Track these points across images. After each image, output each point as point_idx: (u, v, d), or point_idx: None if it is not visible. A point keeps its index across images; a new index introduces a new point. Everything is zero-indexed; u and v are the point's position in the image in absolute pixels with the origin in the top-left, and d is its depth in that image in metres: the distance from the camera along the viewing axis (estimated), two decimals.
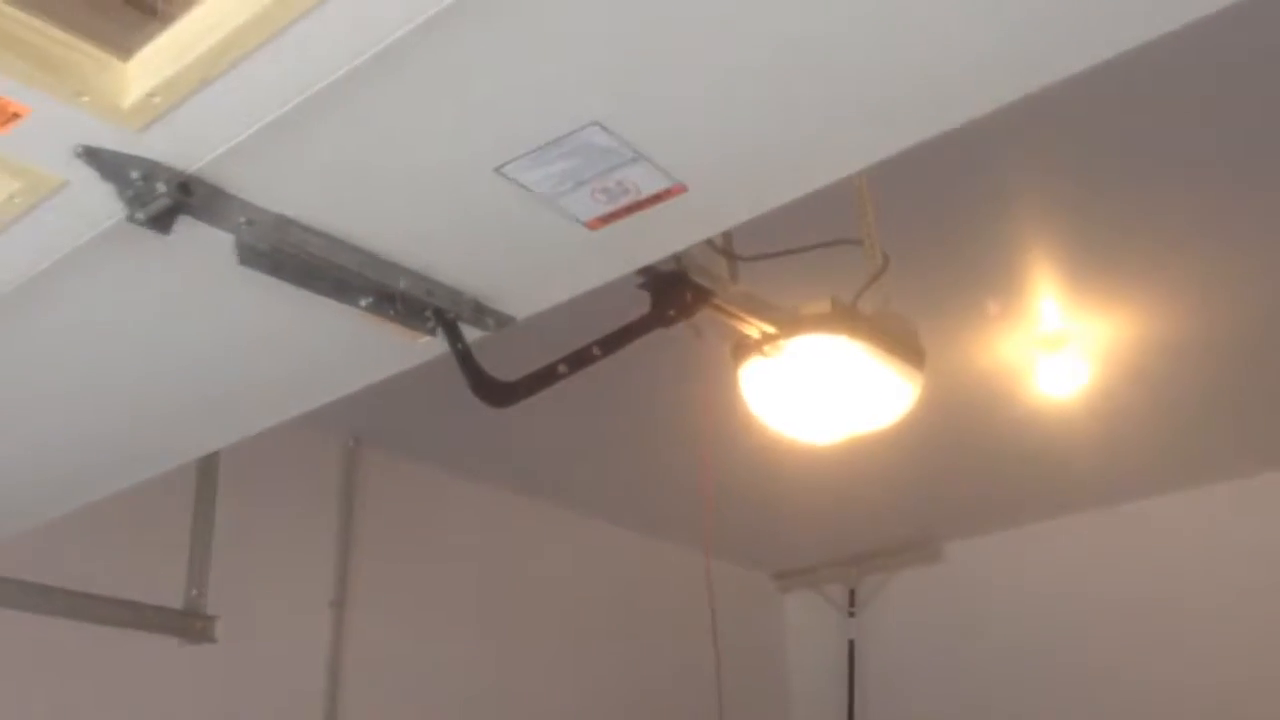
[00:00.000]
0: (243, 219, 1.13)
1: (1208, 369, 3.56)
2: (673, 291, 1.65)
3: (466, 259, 1.29)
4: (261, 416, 1.69)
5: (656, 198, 1.15)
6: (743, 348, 1.91)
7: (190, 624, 2.32)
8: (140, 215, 1.08)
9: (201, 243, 1.16)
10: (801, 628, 5.53)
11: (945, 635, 5.10)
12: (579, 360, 1.57)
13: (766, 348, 1.86)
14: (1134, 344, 3.42)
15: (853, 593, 5.36)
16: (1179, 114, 2.45)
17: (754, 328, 1.85)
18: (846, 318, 1.82)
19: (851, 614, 5.33)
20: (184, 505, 2.46)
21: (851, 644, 5.29)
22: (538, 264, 1.32)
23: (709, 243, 2.10)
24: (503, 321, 1.39)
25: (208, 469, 2.45)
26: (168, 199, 1.06)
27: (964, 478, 4.46)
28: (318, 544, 3.69)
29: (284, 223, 1.16)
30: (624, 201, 1.15)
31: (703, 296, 1.67)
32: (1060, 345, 3.43)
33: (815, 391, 1.89)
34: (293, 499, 3.68)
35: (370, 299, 1.28)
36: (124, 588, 2.45)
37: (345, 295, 1.27)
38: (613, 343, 1.62)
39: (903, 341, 1.92)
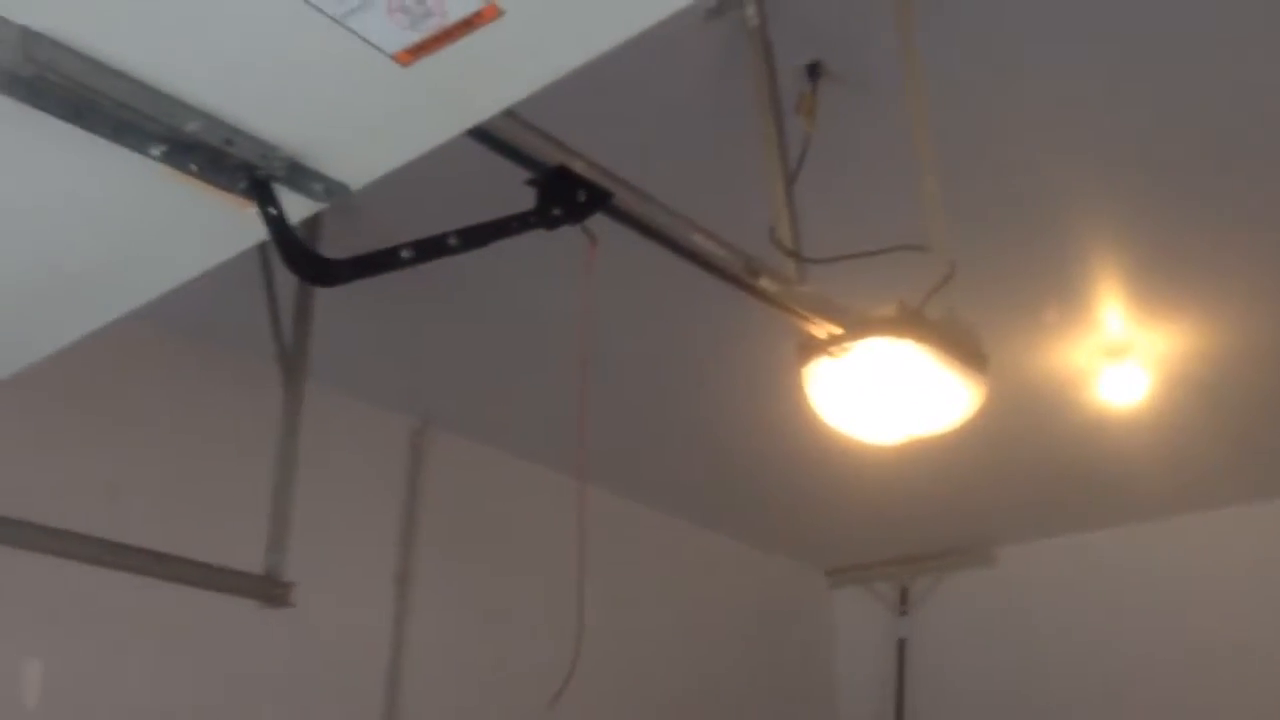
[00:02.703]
0: None
1: (1270, 380, 3.54)
2: (562, 189, 1.46)
3: (264, 100, 1.11)
4: (79, 308, 1.46)
5: (467, 23, 1.00)
6: (809, 347, 1.96)
7: (269, 589, 2.43)
8: None
9: None
10: (851, 624, 5.56)
11: (996, 638, 5.10)
12: (430, 248, 1.39)
13: (833, 348, 1.91)
14: (1196, 355, 3.41)
15: (904, 591, 5.38)
16: (1241, 126, 2.45)
17: (821, 328, 1.90)
18: (913, 322, 1.87)
19: (903, 613, 5.36)
20: (261, 471, 2.58)
21: (902, 642, 5.32)
22: (351, 111, 1.14)
23: (776, 243, 2.16)
24: (334, 189, 1.22)
25: (290, 433, 2.57)
26: None
27: (1021, 483, 4.46)
28: (384, 520, 3.82)
29: (31, 38, 0.99)
30: (431, 27, 1.00)
31: (598, 198, 1.47)
32: (1123, 355, 3.43)
33: (879, 393, 1.95)
34: (361, 476, 3.81)
35: (163, 147, 1.10)
36: (202, 552, 2.56)
37: (132, 140, 1.09)
38: (477, 235, 1.43)
39: (967, 347, 1.97)
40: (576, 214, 1.49)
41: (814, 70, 2.37)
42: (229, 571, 2.41)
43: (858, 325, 1.88)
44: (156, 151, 1.11)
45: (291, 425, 2.59)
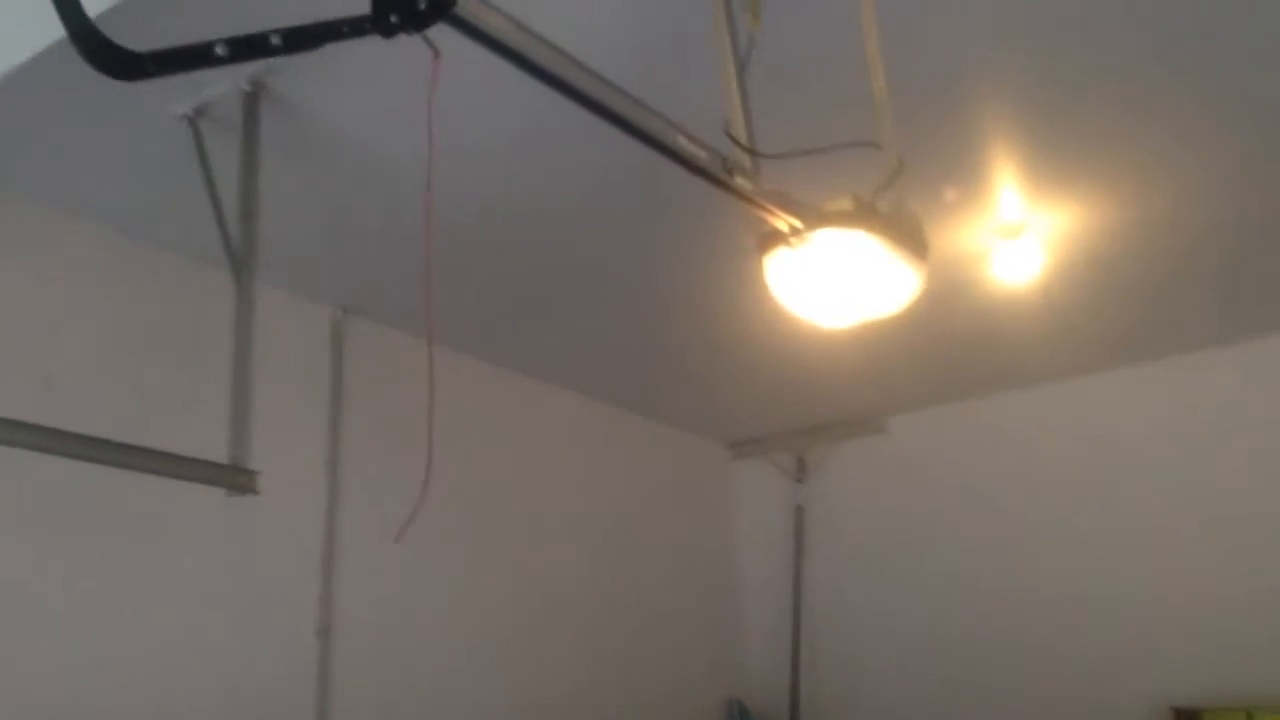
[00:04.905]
0: None
1: (1156, 251, 3.78)
2: None
3: None
4: None
5: None
6: (769, 239, 2.08)
7: (237, 477, 2.49)
8: None
9: None
10: (752, 493, 5.87)
11: (886, 501, 5.47)
12: (249, 47, 1.28)
13: (792, 240, 2.04)
14: (1088, 231, 3.61)
15: (801, 461, 5.69)
16: (1125, 12, 2.56)
17: (783, 221, 2.03)
18: (867, 214, 2.02)
19: (799, 480, 5.67)
20: (219, 367, 2.61)
21: (799, 509, 5.65)
22: None
23: (733, 139, 2.27)
24: None
25: (244, 327, 2.59)
26: None
27: (913, 357, 4.70)
28: (312, 406, 3.86)
29: None
30: None
31: (439, 6, 1.30)
32: (1018, 233, 3.62)
33: (834, 281, 2.10)
34: (288, 364, 3.83)
35: None
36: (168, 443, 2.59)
37: None
38: (303, 37, 1.31)
39: (911, 236, 2.12)
40: (415, 22, 1.32)
41: None
42: (199, 462, 2.46)
43: (816, 218, 2.01)
44: None
45: (245, 320, 2.61)
